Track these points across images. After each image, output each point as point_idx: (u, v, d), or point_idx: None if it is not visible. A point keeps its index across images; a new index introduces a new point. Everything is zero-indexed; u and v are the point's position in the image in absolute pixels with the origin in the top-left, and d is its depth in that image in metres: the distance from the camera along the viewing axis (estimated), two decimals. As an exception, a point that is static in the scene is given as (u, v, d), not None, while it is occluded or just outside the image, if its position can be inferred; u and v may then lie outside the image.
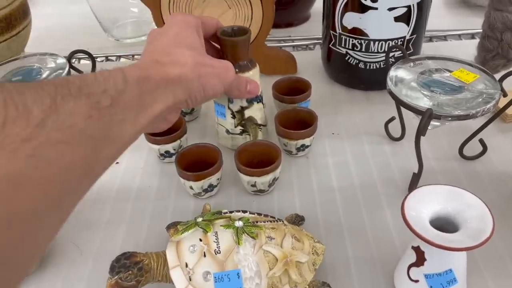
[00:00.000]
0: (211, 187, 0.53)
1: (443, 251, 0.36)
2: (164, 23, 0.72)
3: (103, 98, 0.30)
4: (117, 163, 0.60)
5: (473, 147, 0.57)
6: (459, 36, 0.86)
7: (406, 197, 0.39)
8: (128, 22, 0.94)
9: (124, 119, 0.32)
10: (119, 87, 0.32)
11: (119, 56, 0.87)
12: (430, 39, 0.86)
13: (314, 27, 0.93)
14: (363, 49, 0.65)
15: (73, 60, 0.83)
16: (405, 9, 0.62)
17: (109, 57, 0.87)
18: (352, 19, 0.64)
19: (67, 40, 0.94)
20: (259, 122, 0.58)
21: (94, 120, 0.29)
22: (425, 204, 0.39)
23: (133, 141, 0.35)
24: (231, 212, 0.45)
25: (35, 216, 0.24)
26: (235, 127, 0.58)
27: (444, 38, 0.86)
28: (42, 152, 0.24)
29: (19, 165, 0.23)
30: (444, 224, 0.38)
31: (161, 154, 0.58)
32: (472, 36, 0.86)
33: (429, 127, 0.51)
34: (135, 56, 0.88)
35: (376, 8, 0.61)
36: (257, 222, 0.44)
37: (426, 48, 0.82)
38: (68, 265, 0.47)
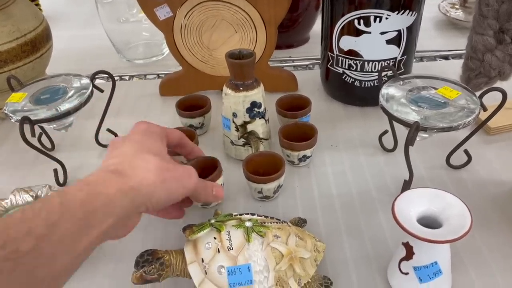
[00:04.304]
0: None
1: (429, 245, 0.41)
2: (176, 47, 0.78)
3: (23, 243, 0.29)
4: (134, 173, 0.66)
5: (459, 157, 0.63)
6: (448, 57, 0.93)
7: (396, 199, 0.44)
8: (140, 44, 1.01)
9: (54, 253, 0.31)
10: (51, 220, 0.31)
11: (132, 76, 0.94)
12: (421, 59, 0.92)
13: (313, 48, 1.00)
14: (358, 69, 0.72)
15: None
16: (395, 33, 0.68)
17: (123, 77, 0.93)
18: (348, 42, 0.70)
19: (82, 60, 1.01)
20: (261, 136, 0.64)
21: (5, 275, 0.27)
22: (413, 205, 0.44)
23: (78, 262, 0.34)
24: (241, 214, 0.51)
25: None
26: (238, 139, 0.64)
27: (434, 58, 0.92)
28: None
29: None
30: (429, 222, 0.44)
31: (175, 165, 0.64)
32: (460, 56, 0.93)
33: (418, 139, 0.57)
34: (147, 76, 0.94)
35: (370, 32, 0.68)
36: (264, 223, 0.49)
37: (417, 68, 0.88)
38: (94, 265, 0.52)
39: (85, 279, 0.51)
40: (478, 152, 0.65)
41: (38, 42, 0.75)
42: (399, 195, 0.45)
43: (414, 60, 0.92)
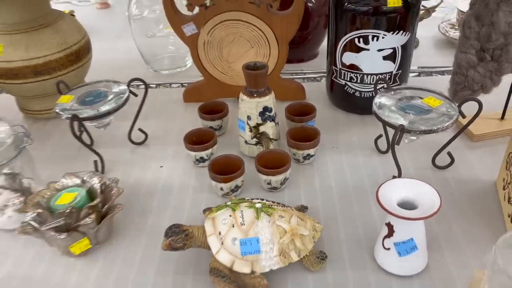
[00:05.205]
0: (236, 187, 0.68)
1: (406, 223, 0.51)
2: (199, 60, 0.89)
3: None
4: (161, 167, 0.76)
5: (445, 159, 0.72)
6: (444, 72, 1.02)
7: (380, 186, 0.54)
8: (166, 57, 1.12)
9: None
10: None
11: (158, 85, 1.05)
12: (419, 74, 1.02)
13: (321, 63, 1.09)
14: (359, 81, 0.82)
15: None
16: (391, 50, 0.78)
17: (150, 85, 1.05)
18: (349, 58, 0.80)
19: (114, 70, 1.12)
20: (271, 136, 0.74)
21: None
22: (394, 191, 0.53)
23: None
24: (252, 199, 0.60)
25: None
26: (252, 138, 0.74)
27: (430, 73, 1.02)
28: None
29: None
30: (407, 206, 0.53)
31: (197, 160, 0.74)
32: (455, 72, 1.01)
33: (406, 141, 0.67)
34: (172, 85, 1.05)
35: (368, 49, 0.78)
36: (271, 206, 0.59)
37: (415, 81, 0.98)
38: (129, 239, 0.63)
39: (120, 249, 0.61)
40: (462, 155, 0.74)
41: (81, 53, 0.87)
42: (383, 183, 0.54)
43: (415, 74, 1.02)
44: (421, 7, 1.13)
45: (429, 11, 1.12)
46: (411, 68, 1.00)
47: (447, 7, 1.29)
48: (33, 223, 0.57)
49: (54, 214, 0.57)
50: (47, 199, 0.60)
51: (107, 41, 1.30)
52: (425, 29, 1.19)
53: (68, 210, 0.56)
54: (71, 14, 1.28)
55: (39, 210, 0.58)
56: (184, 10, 0.86)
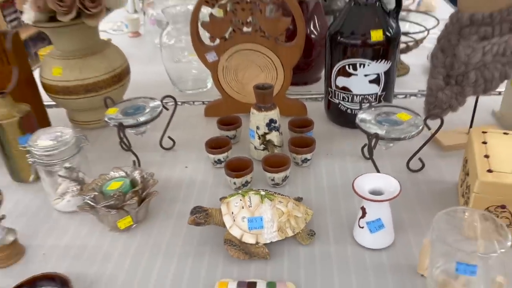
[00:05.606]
0: (246, 182, 0.85)
1: (375, 206, 0.67)
2: (219, 82, 1.07)
3: None
4: (186, 167, 0.94)
5: (419, 164, 0.88)
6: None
7: (356, 178, 0.70)
8: (189, 79, 1.31)
9: None
10: None
11: (183, 102, 1.24)
12: (406, 96, 1.18)
13: (323, 85, 1.27)
14: (349, 101, 0.99)
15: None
16: (375, 75, 0.95)
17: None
18: (341, 81, 0.97)
19: (145, 89, 1.30)
20: (276, 143, 0.91)
21: None
22: (367, 182, 0.69)
23: None
24: (258, 189, 0.77)
25: None
26: (260, 145, 0.91)
27: (416, 95, 1.18)
28: None
29: None
30: (377, 194, 0.69)
31: (215, 161, 0.91)
32: (438, 95, 1.17)
33: (384, 148, 0.83)
34: (195, 102, 1.24)
35: (357, 74, 0.95)
36: (273, 194, 0.75)
37: (402, 102, 1.14)
38: (160, 221, 0.80)
39: (154, 227, 0.78)
40: (433, 162, 0.89)
41: (122, 75, 1.06)
42: (358, 176, 0.70)
43: (404, 96, 1.19)
44: (411, 39, 1.31)
45: (417, 42, 1.29)
46: (403, 91, 1.17)
47: (435, 39, 1.46)
48: (90, 202, 0.74)
49: (106, 196, 0.75)
50: (99, 186, 0.78)
51: (140, 64, 1.49)
52: (415, 58, 1.36)
53: (117, 193, 0.74)
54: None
55: (95, 193, 0.75)
56: (207, 41, 1.05)
